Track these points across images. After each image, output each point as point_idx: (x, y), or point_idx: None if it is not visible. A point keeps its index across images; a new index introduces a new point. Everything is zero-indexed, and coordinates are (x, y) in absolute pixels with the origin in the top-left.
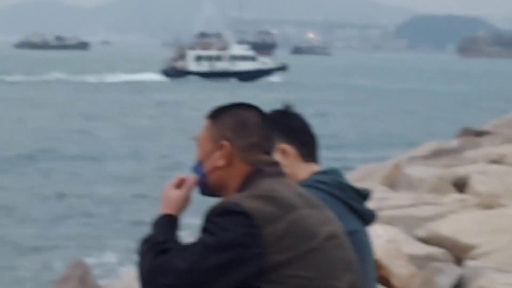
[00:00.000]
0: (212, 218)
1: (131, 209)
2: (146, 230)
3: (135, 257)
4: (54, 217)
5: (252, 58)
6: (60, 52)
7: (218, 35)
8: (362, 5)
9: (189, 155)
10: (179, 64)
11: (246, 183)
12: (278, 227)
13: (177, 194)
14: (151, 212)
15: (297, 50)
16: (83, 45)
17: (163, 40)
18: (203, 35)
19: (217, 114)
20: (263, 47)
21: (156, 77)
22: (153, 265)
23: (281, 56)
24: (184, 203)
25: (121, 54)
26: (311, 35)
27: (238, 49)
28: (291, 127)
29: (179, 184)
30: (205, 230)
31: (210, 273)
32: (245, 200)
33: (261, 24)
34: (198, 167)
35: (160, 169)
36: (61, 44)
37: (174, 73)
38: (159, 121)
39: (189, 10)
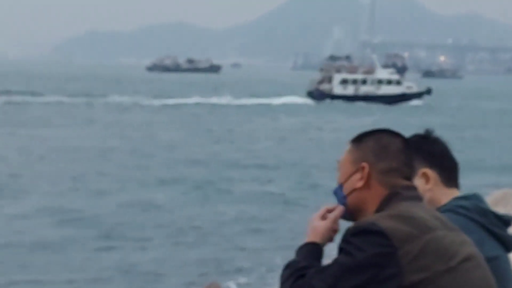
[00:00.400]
0: (349, 238)
1: (261, 232)
2: (274, 254)
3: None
4: (184, 240)
5: (397, 82)
6: (192, 75)
7: (348, 58)
8: (493, 28)
9: (324, 179)
10: (324, 87)
11: (383, 206)
12: (414, 246)
13: (321, 224)
14: (283, 235)
15: (428, 74)
16: (214, 68)
17: (293, 62)
18: (333, 58)
19: (360, 138)
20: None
21: (300, 100)
22: (294, 285)
23: (412, 79)
24: (328, 233)
25: (254, 77)
26: (442, 58)
27: (383, 73)
28: (432, 152)
29: (326, 215)
30: (341, 250)
31: None
32: (381, 220)
33: (390, 47)
34: (338, 190)
35: (288, 191)
36: (193, 67)
37: (319, 95)
38: (291, 143)
39: (319, 33)
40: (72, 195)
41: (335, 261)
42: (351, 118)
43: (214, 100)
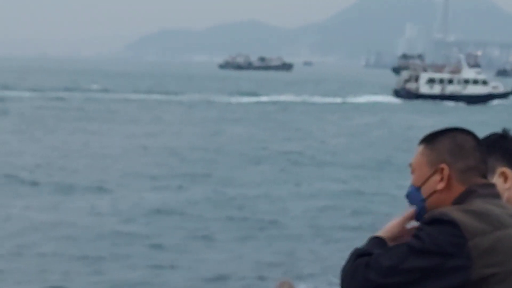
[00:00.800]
0: (422, 225)
1: (330, 232)
2: (342, 257)
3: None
4: (251, 240)
5: (483, 82)
6: (264, 73)
7: (420, 57)
8: None
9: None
10: (411, 86)
11: (458, 202)
12: (485, 241)
13: (391, 222)
14: (353, 237)
15: (502, 73)
16: (286, 66)
17: (366, 61)
18: (405, 56)
19: (433, 139)
20: None
21: (386, 98)
22: (357, 263)
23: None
24: (396, 229)
25: (328, 75)
26: None
27: (470, 73)
28: (511, 151)
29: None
30: (413, 235)
31: (411, 274)
32: (453, 211)
33: (464, 46)
34: (415, 193)
35: (358, 190)
36: (265, 65)
37: (406, 94)
38: (367, 141)
39: (391, 31)
40: (138, 192)
41: (405, 243)
42: (430, 117)
43: (287, 97)
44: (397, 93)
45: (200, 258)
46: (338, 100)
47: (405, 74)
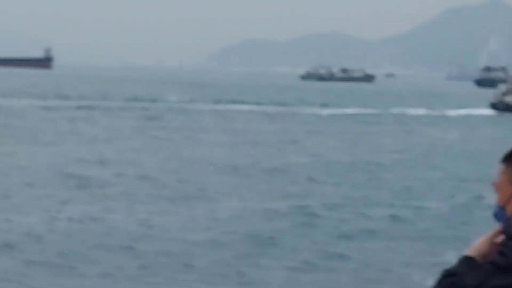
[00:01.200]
0: (506, 241)
1: (400, 243)
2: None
3: None
4: (323, 256)
5: None
6: (346, 84)
7: (503, 69)
8: None
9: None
10: (509, 99)
11: None
12: None
13: (479, 240)
14: (425, 249)
15: None
16: (368, 78)
17: (448, 73)
18: (488, 69)
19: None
20: None
21: (482, 111)
22: (443, 283)
23: None
24: (484, 246)
25: (412, 87)
26: None
27: None
28: None
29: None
30: (498, 252)
31: None
32: None
33: None
34: (500, 212)
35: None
36: (347, 76)
37: (504, 107)
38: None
39: (474, 43)
40: (213, 202)
41: (490, 261)
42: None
43: (371, 110)
44: (494, 106)
45: (273, 266)
46: (425, 112)
47: (502, 87)
